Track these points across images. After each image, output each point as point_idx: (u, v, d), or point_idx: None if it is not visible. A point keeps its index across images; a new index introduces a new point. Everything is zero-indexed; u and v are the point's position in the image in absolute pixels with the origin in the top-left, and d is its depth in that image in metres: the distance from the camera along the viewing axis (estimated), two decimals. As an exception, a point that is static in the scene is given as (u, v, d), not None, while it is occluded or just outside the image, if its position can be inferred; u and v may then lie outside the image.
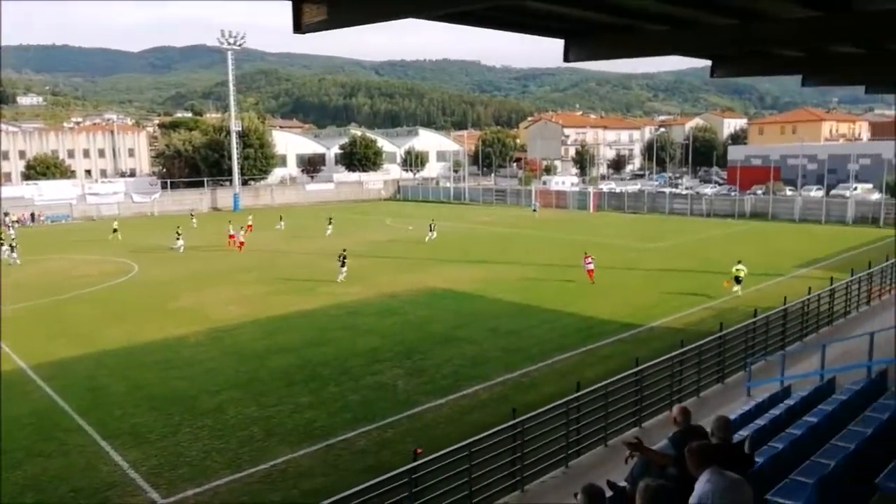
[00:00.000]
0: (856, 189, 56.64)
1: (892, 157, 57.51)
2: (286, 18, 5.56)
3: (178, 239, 40.69)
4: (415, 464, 9.98)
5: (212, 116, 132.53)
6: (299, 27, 5.51)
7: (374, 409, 15.67)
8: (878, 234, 42.34)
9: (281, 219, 52.98)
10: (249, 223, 46.92)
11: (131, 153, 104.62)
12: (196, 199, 71.31)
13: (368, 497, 9.54)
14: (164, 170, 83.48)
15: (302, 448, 13.71)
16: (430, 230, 44.07)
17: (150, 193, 71.39)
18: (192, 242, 41.71)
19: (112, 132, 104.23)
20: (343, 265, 30.18)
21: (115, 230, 47.72)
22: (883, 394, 9.30)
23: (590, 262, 29.18)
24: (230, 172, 73.29)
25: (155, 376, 18.41)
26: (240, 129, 74.09)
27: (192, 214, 57.04)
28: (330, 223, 48.29)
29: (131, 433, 14.64)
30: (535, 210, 59.20)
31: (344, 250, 31.23)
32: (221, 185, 75.10)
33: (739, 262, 26.41)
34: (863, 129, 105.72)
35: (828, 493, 5.94)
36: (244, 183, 75.26)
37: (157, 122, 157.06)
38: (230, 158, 73.08)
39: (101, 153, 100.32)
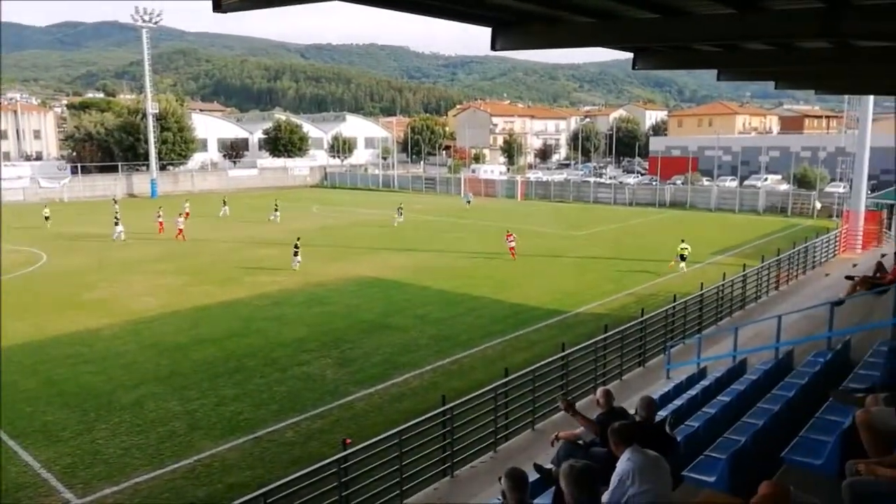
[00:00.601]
0: (766, 180, 59.85)
1: (799, 150, 61.16)
2: (206, -4, 5.33)
3: (116, 225, 38.85)
4: (344, 453, 9.91)
5: (126, 98, 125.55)
6: (219, 6, 5.29)
7: (301, 399, 15.43)
8: (786, 222, 45.08)
9: (224, 203, 51.17)
10: (186, 209, 44.68)
11: (37, 135, 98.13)
12: (110, 185, 67.75)
13: (297, 489, 9.42)
14: (74, 153, 78.52)
15: (227, 442, 13.36)
16: (399, 214, 43.78)
17: (58, 178, 67.22)
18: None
19: (15, 112, 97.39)
20: (296, 254, 29.83)
21: (46, 217, 44.88)
22: (789, 373, 9.87)
23: (511, 240, 31.26)
24: (146, 157, 69.87)
25: (67, 371, 17.48)
26: (156, 111, 70.68)
27: (115, 200, 54.15)
28: (276, 209, 47.05)
29: (43, 431, 13.88)
30: (468, 202, 57.29)
31: (298, 238, 31.07)
32: (137, 170, 71.56)
33: (683, 242, 27.70)
34: (773, 123, 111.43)
35: (738, 467, 6.27)
36: (162, 168, 72.07)
37: (65, 102, 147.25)
38: (146, 142, 69.61)
39: (4, 135, 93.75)
